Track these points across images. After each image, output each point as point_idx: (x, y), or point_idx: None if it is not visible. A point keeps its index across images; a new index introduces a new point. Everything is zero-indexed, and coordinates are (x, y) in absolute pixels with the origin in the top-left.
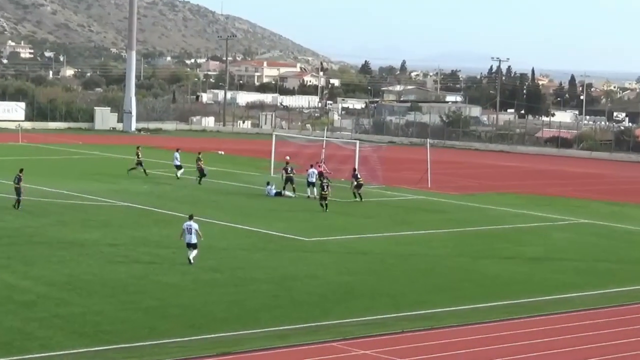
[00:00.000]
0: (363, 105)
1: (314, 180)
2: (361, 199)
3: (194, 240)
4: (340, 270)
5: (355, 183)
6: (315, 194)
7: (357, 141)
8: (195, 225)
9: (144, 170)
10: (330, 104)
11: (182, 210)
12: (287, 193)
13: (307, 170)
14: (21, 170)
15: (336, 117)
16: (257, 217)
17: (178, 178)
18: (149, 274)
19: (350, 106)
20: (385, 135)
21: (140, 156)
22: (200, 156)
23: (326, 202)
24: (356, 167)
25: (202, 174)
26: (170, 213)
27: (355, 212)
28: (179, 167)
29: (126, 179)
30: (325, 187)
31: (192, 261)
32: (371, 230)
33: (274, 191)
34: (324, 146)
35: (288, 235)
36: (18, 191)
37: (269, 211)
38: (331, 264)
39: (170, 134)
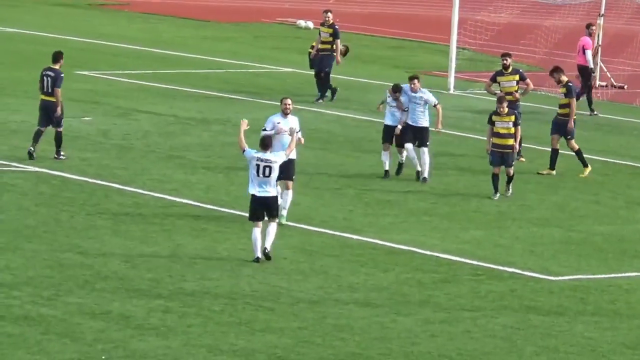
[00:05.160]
0: None
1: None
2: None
3: (271, 191)
4: None
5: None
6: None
7: None
8: (279, 159)
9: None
10: None
11: (184, 190)
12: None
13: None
14: (57, 57)
15: None
16: (408, 215)
17: None
18: None
19: None
20: None
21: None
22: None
23: (512, 172)
24: None
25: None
26: (154, 195)
27: None
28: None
29: (33, 100)
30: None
31: (267, 249)
32: None
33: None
34: (601, 12)
35: (496, 267)
36: (52, 117)
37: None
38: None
39: None
